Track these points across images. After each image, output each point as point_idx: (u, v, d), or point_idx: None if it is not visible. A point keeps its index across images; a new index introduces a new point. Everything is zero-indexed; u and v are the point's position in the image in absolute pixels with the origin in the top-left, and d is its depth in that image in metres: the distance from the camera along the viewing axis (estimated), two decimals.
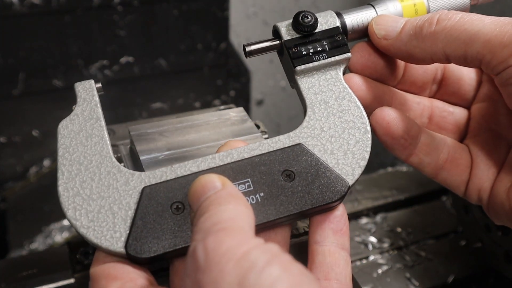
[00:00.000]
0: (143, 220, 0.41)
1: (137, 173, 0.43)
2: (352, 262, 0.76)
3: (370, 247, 0.78)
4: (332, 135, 0.47)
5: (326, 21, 0.48)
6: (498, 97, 0.50)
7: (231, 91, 1.16)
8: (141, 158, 0.52)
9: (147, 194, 0.42)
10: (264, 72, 1.42)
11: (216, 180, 0.38)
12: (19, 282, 0.57)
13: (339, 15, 0.49)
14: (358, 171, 0.46)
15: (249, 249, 0.32)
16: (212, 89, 1.14)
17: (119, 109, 1.07)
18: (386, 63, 0.49)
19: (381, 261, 0.76)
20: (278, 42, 0.48)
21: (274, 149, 0.45)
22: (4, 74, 0.94)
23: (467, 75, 0.51)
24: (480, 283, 0.77)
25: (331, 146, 0.46)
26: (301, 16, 0.47)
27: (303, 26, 0.47)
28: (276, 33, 0.49)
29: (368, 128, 0.47)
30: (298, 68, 0.47)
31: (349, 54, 0.48)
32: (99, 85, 0.47)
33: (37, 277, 0.58)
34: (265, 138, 0.58)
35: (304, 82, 0.48)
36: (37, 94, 0.98)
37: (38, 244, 0.97)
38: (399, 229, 0.82)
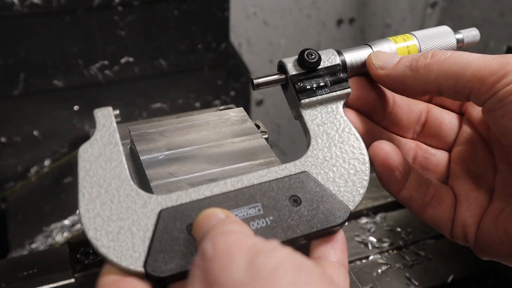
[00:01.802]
0: (160, 241, 0.43)
1: (154, 196, 0.45)
2: (352, 262, 0.76)
3: (370, 246, 0.78)
4: (334, 165, 0.50)
5: (328, 58, 0.52)
6: (477, 141, 0.53)
7: (231, 91, 1.17)
8: (141, 158, 0.52)
9: (164, 216, 0.44)
10: (264, 72, 1.42)
11: (219, 212, 0.42)
12: (19, 282, 0.58)
13: (339, 53, 0.52)
14: (359, 198, 0.49)
15: (255, 241, 0.36)
16: (212, 89, 1.14)
17: (119, 109, 1.07)
18: (376, 97, 0.53)
19: (380, 260, 0.77)
20: (284, 76, 0.52)
21: (282, 176, 0.48)
22: (4, 74, 0.94)
23: (448, 119, 0.55)
24: (479, 283, 0.77)
25: (333, 174, 0.49)
26: (306, 53, 0.51)
27: (308, 62, 0.51)
28: (282, 68, 0.52)
29: (367, 158, 0.50)
30: (303, 101, 0.50)
31: (349, 90, 0.51)
32: (117, 112, 0.49)
33: (37, 277, 0.58)
34: (265, 138, 0.58)
35: (308, 114, 0.51)
36: (37, 94, 0.98)
37: (39, 244, 0.97)
38: (398, 229, 0.82)
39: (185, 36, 1.05)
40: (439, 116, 0.55)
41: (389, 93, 0.54)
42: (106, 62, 1.01)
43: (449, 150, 0.56)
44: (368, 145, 0.52)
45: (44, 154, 1.04)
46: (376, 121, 0.54)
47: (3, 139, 0.99)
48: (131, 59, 1.03)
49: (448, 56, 0.47)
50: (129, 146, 0.59)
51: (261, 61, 1.45)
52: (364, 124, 0.53)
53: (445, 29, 0.54)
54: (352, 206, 0.49)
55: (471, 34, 0.54)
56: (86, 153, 0.46)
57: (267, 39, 1.44)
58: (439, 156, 0.55)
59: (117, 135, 0.47)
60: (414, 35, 0.53)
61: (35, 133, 1.01)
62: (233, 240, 0.36)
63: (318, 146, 0.50)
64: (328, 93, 0.51)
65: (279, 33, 1.44)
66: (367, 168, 0.50)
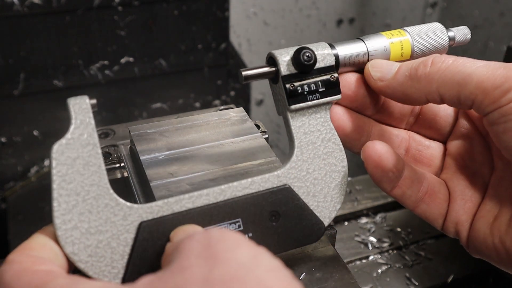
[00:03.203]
0: (139, 256, 0.42)
1: (134, 206, 0.43)
2: (352, 262, 0.76)
3: (370, 247, 0.78)
4: (316, 178, 0.48)
5: (323, 58, 0.49)
6: (474, 135, 0.52)
7: (231, 91, 1.16)
8: (141, 158, 0.52)
9: (143, 231, 0.42)
10: None
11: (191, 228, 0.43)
12: None
13: (331, 47, 0.50)
14: (334, 214, 0.49)
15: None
16: (212, 89, 1.14)
17: (119, 109, 1.07)
18: (366, 93, 0.51)
19: (380, 260, 0.77)
20: (274, 69, 0.48)
21: (264, 189, 0.46)
22: (4, 74, 0.94)
23: (443, 111, 0.54)
24: (479, 283, 0.77)
25: (313, 188, 0.48)
26: (302, 54, 0.47)
27: (303, 65, 0.47)
28: (271, 61, 0.49)
29: (347, 171, 0.49)
30: (292, 106, 0.48)
31: (339, 96, 0.49)
32: (94, 101, 0.42)
33: None
34: (265, 138, 0.58)
35: (295, 120, 0.49)
36: (37, 94, 0.98)
37: None
38: (398, 229, 0.82)
39: (185, 36, 1.05)
40: (434, 108, 0.54)
41: None
42: (106, 62, 1.01)
43: (443, 141, 0.54)
44: (356, 140, 0.51)
45: (44, 154, 1.04)
46: (366, 114, 0.53)
47: (3, 139, 0.99)
48: (131, 59, 1.03)
49: (450, 64, 0.45)
50: (129, 146, 0.59)
51: (261, 61, 1.45)
52: (353, 120, 0.51)
53: (437, 26, 0.53)
54: (326, 222, 0.48)
55: (462, 32, 0.53)
56: (62, 156, 0.40)
57: (267, 39, 1.44)
58: (433, 149, 0.54)
59: (96, 134, 0.42)
60: (406, 30, 0.52)
61: (35, 133, 1.01)
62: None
63: (303, 157, 0.48)
64: (318, 99, 0.48)
65: (279, 33, 1.44)
66: (346, 182, 0.50)
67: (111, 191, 0.42)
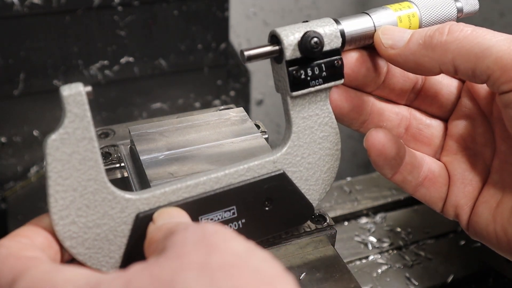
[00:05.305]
0: (136, 246, 0.42)
1: (132, 198, 0.42)
2: (351, 262, 0.76)
3: (370, 247, 0.78)
4: (310, 162, 0.49)
5: (330, 41, 0.46)
6: (476, 115, 0.50)
7: (231, 91, 1.17)
8: (141, 158, 0.52)
9: (139, 222, 0.42)
10: (264, 72, 1.42)
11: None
12: None
13: (337, 22, 0.48)
14: (323, 196, 0.49)
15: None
16: (212, 89, 1.14)
17: (119, 109, 1.07)
18: (368, 73, 0.49)
19: (380, 260, 0.76)
20: (277, 47, 0.46)
21: (260, 175, 0.47)
22: (4, 74, 0.94)
23: (446, 88, 0.52)
24: (479, 283, 0.77)
25: (306, 173, 0.49)
26: (310, 39, 0.45)
27: (310, 52, 0.45)
28: (275, 39, 0.47)
29: (340, 154, 0.49)
30: (294, 93, 0.46)
31: (342, 80, 0.48)
32: (89, 88, 0.39)
33: None
34: (265, 138, 0.58)
35: (295, 105, 0.47)
36: (37, 94, 0.98)
37: None
38: (398, 229, 0.82)
39: (185, 36, 1.05)
40: (436, 85, 0.52)
41: (382, 63, 0.50)
42: (106, 62, 1.01)
43: (445, 118, 0.53)
44: (355, 119, 0.50)
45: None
46: (366, 91, 0.51)
47: (3, 139, 0.99)
48: (131, 59, 1.03)
49: (468, 34, 0.42)
50: (129, 146, 0.59)
51: (261, 61, 1.45)
52: (351, 99, 0.49)
53: None
54: (315, 204, 0.49)
55: (470, 2, 0.51)
56: (57, 151, 0.39)
57: (267, 39, 1.44)
58: (434, 128, 0.52)
59: (92, 127, 0.40)
60: (413, 2, 0.50)
61: (35, 133, 1.01)
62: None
63: (299, 142, 0.48)
64: (321, 84, 0.47)
65: None
66: (337, 165, 0.50)
67: (109, 184, 0.41)
